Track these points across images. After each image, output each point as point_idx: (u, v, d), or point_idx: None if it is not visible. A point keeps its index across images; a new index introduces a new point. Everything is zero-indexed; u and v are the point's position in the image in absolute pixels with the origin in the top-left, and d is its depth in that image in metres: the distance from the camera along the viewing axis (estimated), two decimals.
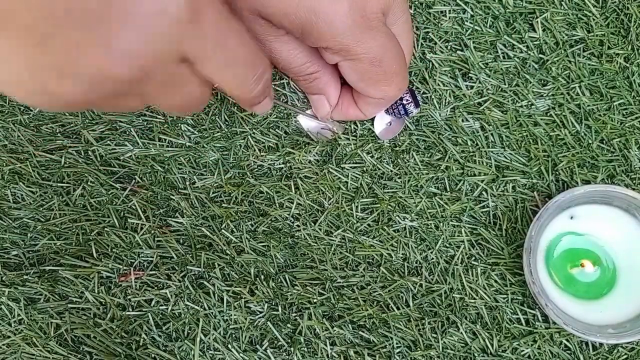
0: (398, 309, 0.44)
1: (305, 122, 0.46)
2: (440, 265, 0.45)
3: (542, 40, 0.46)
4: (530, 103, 0.46)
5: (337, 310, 0.44)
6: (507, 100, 0.46)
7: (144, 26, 0.24)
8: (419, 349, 0.44)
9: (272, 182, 0.46)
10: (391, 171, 0.46)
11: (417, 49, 0.46)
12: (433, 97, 0.46)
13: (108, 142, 0.46)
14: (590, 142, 0.46)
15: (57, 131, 0.47)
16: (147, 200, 0.46)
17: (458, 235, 0.45)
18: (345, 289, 0.45)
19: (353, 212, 0.45)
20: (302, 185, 0.45)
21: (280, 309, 0.44)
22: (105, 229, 0.45)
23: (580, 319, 0.42)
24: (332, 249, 0.45)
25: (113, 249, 0.45)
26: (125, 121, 0.46)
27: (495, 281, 0.44)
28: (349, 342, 0.44)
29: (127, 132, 0.46)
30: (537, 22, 0.46)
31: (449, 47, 0.46)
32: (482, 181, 0.45)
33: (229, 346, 0.44)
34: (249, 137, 0.46)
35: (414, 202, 0.45)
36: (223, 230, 0.45)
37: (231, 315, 0.44)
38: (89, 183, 0.46)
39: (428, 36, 0.47)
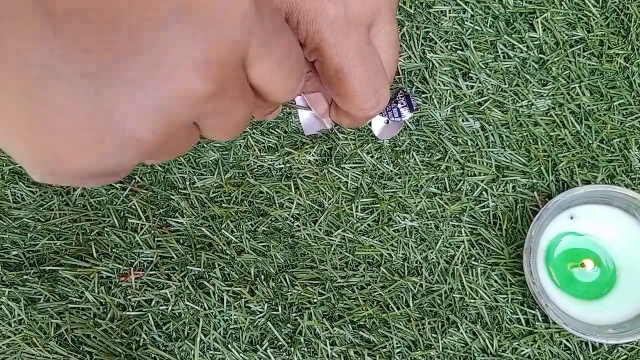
0: (398, 309, 0.44)
1: (306, 120, 0.46)
2: (440, 265, 0.45)
3: (542, 40, 0.46)
4: (530, 103, 0.46)
5: (337, 310, 0.44)
6: (507, 100, 0.46)
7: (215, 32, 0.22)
8: (419, 349, 0.44)
9: (272, 182, 0.46)
10: (391, 171, 0.46)
11: (417, 49, 0.46)
12: (433, 96, 0.46)
13: None
14: (590, 142, 0.46)
15: None
16: (147, 200, 0.46)
17: (458, 235, 0.45)
18: (345, 289, 0.45)
19: (353, 212, 0.45)
20: (302, 185, 0.45)
21: (280, 309, 0.44)
22: (105, 229, 0.45)
23: (580, 319, 0.42)
24: (332, 249, 0.45)
25: (113, 249, 0.45)
26: None
27: (495, 281, 0.45)
28: (349, 342, 0.44)
29: None
30: (537, 22, 0.46)
31: (449, 47, 0.46)
32: (482, 181, 0.45)
33: (229, 346, 0.44)
34: (249, 137, 0.46)
35: (414, 202, 0.45)
36: (223, 230, 0.45)
37: (231, 315, 0.44)
38: None
39: (428, 36, 0.47)
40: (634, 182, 0.45)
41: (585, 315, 0.43)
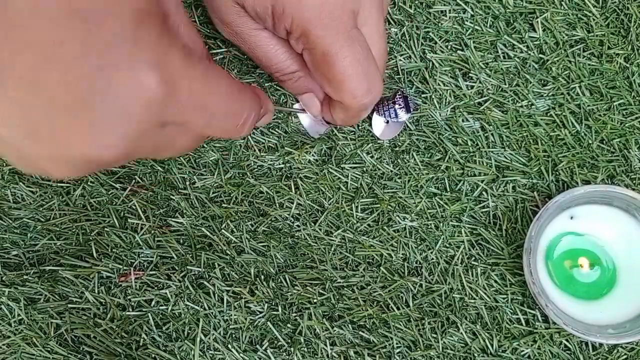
0: (398, 309, 0.44)
1: (309, 124, 0.46)
2: (440, 265, 0.45)
3: (542, 40, 0.46)
4: (530, 103, 0.46)
5: (337, 310, 0.44)
6: (507, 100, 0.46)
7: (123, 111, 0.24)
8: (419, 349, 0.44)
9: (272, 182, 0.46)
10: (391, 171, 0.46)
11: (417, 49, 0.46)
12: (433, 97, 0.46)
13: None
14: (590, 142, 0.46)
15: None
16: (147, 200, 0.46)
17: (458, 236, 0.45)
18: (345, 289, 0.45)
19: (353, 212, 0.45)
20: (302, 185, 0.45)
21: (280, 309, 0.44)
22: (105, 229, 0.45)
23: (580, 319, 0.42)
24: (332, 249, 0.45)
25: (113, 249, 0.45)
26: None
27: (495, 281, 0.45)
28: (349, 342, 0.44)
29: None
30: (537, 22, 0.46)
31: (449, 47, 0.46)
32: (482, 181, 0.45)
33: (229, 346, 0.44)
34: (249, 137, 0.46)
35: (414, 202, 0.45)
36: (223, 230, 0.45)
37: (231, 315, 0.44)
38: (89, 183, 0.46)
39: (428, 36, 0.47)
40: (634, 182, 0.45)
41: (585, 315, 0.43)
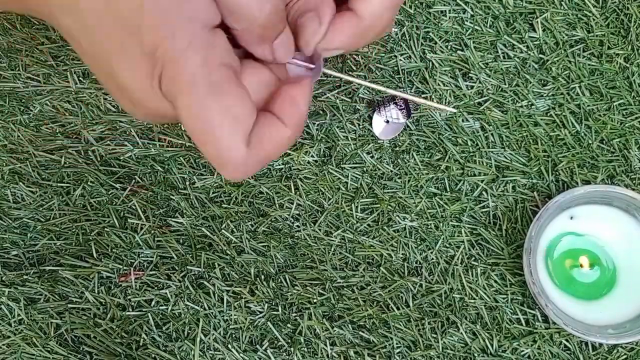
0: (398, 309, 0.44)
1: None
2: (440, 265, 0.45)
3: (542, 40, 0.46)
4: (530, 103, 0.46)
5: (337, 310, 0.44)
6: (507, 100, 0.46)
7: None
8: (419, 349, 0.44)
9: (272, 183, 0.46)
10: (391, 171, 0.46)
11: (417, 49, 0.46)
12: (433, 97, 0.46)
13: (108, 142, 0.46)
14: (590, 142, 0.46)
15: (57, 131, 0.47)
16: (147, 200, 0.46)
17: (458, 236, 0.45)
18: (345, 289, 0.45)
19: (353, 213, 0.45)
20: (301, 185, 0.45)
21: (280, 309, 0.44)
22: (105, 229, 0.45)
23: (580, 319, 0.42)
24: (332, 249, 0.45)
25: (113, 249, 0.45)
26: (125, 121, 0.46)
27: (495, 281, 0.45)
28: (349, 342, 0.44)
29: (127, 132, 0.46)
30: (537, 22, 0.46)
31: (449, 47, 0.46)
32: (482, 181, 0.45)
33: (229, 346, 0.44)
34: None
35: (414, 202, 0.45)
36: (223, 231, 0.45)
37: (231, 315, 0.44)
38: (89, 183, 0.46)
39: (428, 36, 0.47)
40: (633, 182, 0.45)
41: (585, 315, 0.43)
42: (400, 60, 0.46)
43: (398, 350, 0.44)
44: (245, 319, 0.44)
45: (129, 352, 0.44)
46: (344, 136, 0.46)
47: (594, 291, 0.43)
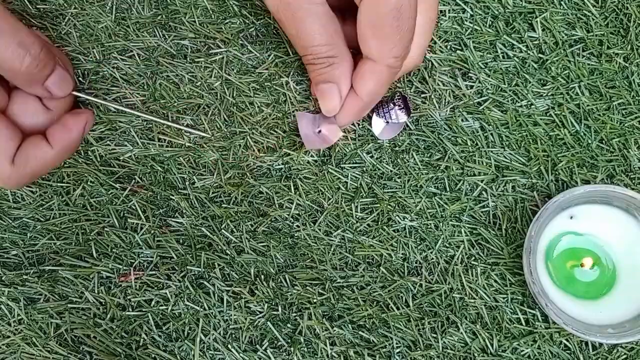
0: (398, 309, 0.44)
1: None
2: (440, 265, 0.45)
3: (541, 40, 0.46)
4: (529, 103, 0.46)
5: (337, 310, 0.44)
6: (507, 100, 0.46)
7: None
8: (419, 349, 0.44)
9: (272, 183, 0.46)
10: (391, 171, 0.46)
11: None
12: (433, 97, 0.46)
13: (108, 142, 0.46)
14: (589, 142, 0.46)
15: None
16: (147, 200, 0.46)
17: (458, 235, 0.45)
18: (345, 289, 0.45)
19: (353, 212, 0.45)
20: (301, 185, 0.46)
21: (280, 309, 0.44)
22: (105, 229, 0.45)
23: (580, 319, 0.42)
24: (332, 249, 0.45)
25: (113, 249, 0.45)
26: (125, 121, 0.46)
27: (495, 281, 0.45)
28: (349, 342, 0.44)
29: (127, 132, 0.46)
30: (537, 21, 0.46)
31: (448, 47, 0.46)
32: (482, 181, 0.45)
33: (229, 346, 0.44)
34: (248, 137, 0.46)
35: (414, 202, 0.45)
36: (223, 231, 0.45)
37: (231, 315, 0.44)
38: (89, 183, 0.46)
39: None
40: (633, 181, 0.45)
41: (585, 315, 0.43)
42: None
43: (398, 350, 0.44)
44: (245, 319, 0.44)
45: (129, 352, 0.44)
46: (343, 136, 0.46)
47: (594, 291, 0.43)
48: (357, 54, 0.40)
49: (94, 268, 0.45)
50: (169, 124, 0.45)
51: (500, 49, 0.46)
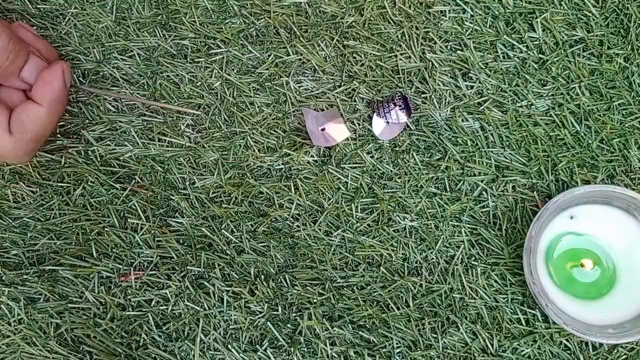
0: (398, 309, 0.44)
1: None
2: (440, 265, 0.45)
3: (541, 40, 0.46)
4: (530, 103, 0.46)
5: (337, 310, 0.44)
6: (507, 100, 0.46)
7: None
8: (419, 349, 0.44)
9: (272, 183, 0.46)
10: (391, 171, 0.46)
11: (417, 49, 0.46)
12: (433, 97, 0.46)
13: (108, 142, 0.46)
14: (590, 142, 0.46)
15: (57, 131, 0.47)
16: (147, 200, 0.46)
17: (458, 235, 0.45)
18: (345, 289, 0.45)
19: (353, 212, 0.45)
20: (301, 185, 0.46)
21: (280, 309, 0.44)
22: (105, 229, 0.45)
23: (580, 319, 0.42)
24: (332, 249, 0.45)
25: (113, 249, 0.45)
26: (125, 121, 0.46)
27: (495, 281, 0.45)
28: (349, 342, 0.44)
29: (127, 132, 0.46)
30: (537, 22, 0.46)
31: (448, 47, 0.46)
32: (482, 181, 0.45)
33: (229, 346, 0.44)
34: (248, 137, 0.46)
35: (414, 202, 0.45)
36: (223, 231, 0.45)
37: (231, 315, 0.44)
38: (89, 183, 0.46)
39: (428, 36, 0.47)
40: (633, 182, 0.45)
41: (586, 315, 0.43)
42: (400, 60, 0.46)
43: (398, 350, 0.44)
44: (245, 319, 0.44)
45: (129, 352, 0.44)
46: (350, 137, 0.46)
47: (594, 291, 0.43)
48: None
49: (94, 268, 0.45)
50: (162, 105, 0.45)
51: (501, 49, 0.46)
